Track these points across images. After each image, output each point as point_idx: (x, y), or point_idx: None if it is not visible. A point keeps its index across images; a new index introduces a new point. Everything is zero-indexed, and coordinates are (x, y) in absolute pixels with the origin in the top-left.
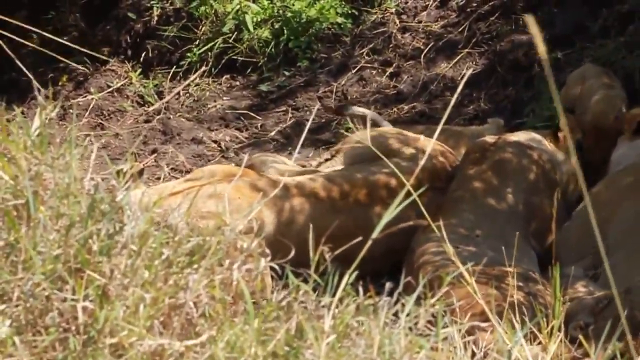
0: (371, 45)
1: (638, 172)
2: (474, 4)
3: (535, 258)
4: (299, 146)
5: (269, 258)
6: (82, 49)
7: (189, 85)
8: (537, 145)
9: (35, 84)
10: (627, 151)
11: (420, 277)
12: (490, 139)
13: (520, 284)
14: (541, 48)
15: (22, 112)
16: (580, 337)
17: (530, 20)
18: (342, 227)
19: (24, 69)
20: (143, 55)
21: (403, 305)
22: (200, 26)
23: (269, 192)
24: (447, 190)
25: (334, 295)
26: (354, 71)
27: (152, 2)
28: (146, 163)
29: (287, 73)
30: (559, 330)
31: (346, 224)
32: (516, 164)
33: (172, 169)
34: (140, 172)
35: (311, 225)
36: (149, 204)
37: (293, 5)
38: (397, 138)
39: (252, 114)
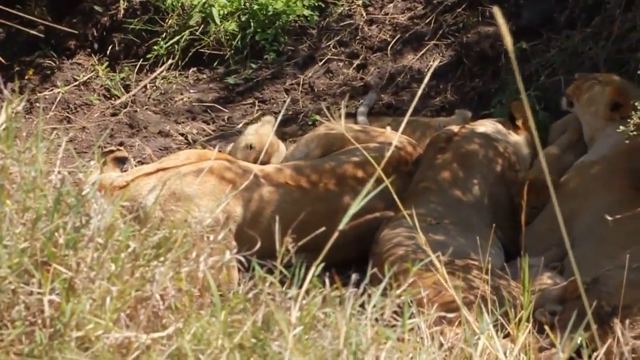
0: (338, 38)
1: (609, 163)
2: None
3: (501, 249)
4: (269, 139)
5: (235, 250)
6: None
7: (155, 78)
8: (502, 137)
9: (0, 77)
10: (599, 143)
11: (386, 266)
12: (454, 128)
13: (486, 276)
14: (507, 39)
15: None
16: (546, 327)
17: (496, 12)
18: (312, 217)
19: None
20: (110, 48)
21: (369, 296)
22: (167, 19)
23: (239, 180)
24: (412, 180)
25: (300, 287)
26: (320, 63)
27: None
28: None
29: (254, 66)
30: (527, 321)
31: (315, 214)
32: (482, 156)
33: (139, 162)
34: (123, 159)
35: (277, 217)
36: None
37: None
38: (363, 131)
39: (219, 106)
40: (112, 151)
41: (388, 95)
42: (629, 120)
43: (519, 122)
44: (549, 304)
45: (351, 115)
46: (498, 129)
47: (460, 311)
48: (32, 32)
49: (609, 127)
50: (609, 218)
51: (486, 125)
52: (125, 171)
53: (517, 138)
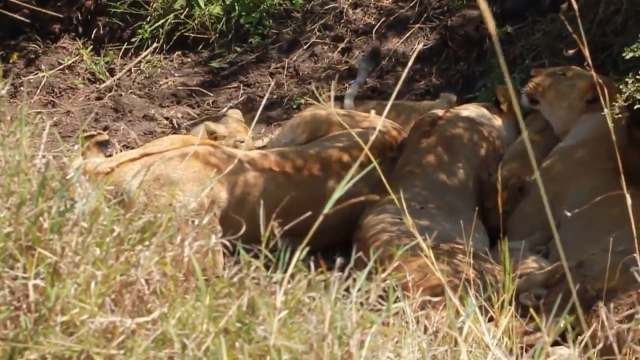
0: (322, 21)
1: (591, 147)
2: None
3: (486, 233)
4: (253, 123)
5: (220, 234)
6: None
7: (140, 62)
8: (487, 121)
9: None
10: (577, 128)
11: (371, 251)
12: (439, 111)
13: (471, 260)
14: (491, 24)
15: None
16: (532, 310)
17: None
18: (296, 202)
19: None
20: (94, 32)
21: (354, 280)
22: (152, 2)
23: (224, 165)
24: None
25: (285, 271)
26: (305, 47)
27: None
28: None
29: (238, 49)
30: (510, 305)
31: (300, 199)
32: (466, 140)
33: (124, 146)
34: (105, 142)
35: (262, 201)
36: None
37: None
38: (347, 116)
39: (203, 90)
40: (93, 135)
41: (372, 79)
42: (613, 103)
43: (504, 107)
44: (534, 287)
45: (337, 99)
46: (483, 113)
47: (445, 295)
48: (16, 16)
49: (584, 115)
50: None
51: (470, 110)
52: (108, 155)
53: (501, 122)
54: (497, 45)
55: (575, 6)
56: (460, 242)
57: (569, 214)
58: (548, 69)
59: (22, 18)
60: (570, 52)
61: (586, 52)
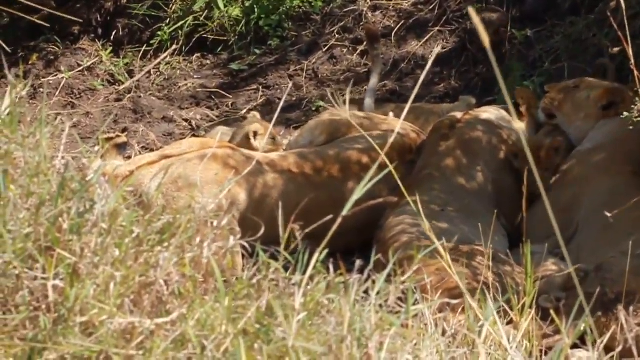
0: (342, 24)
1: (609, 150)
2: None
3: (505, 236)
4: (271, 125)
5: (239, 236)
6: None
7: (159, 63)
8: (507, 124)
9: (5, 62)
10: (594, 132)
11: (390, 253)
12: (458, 114)
13: (490, 263)
14: (484, 38)
15: None
16: (552, 312)
17: (471, 12)
18: (315, 204)
19: None
20: (114, 33)
21: (374, 282)
22: (171, 4)
23: (243, 167)
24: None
25: (304, 272)
26: (324, 50)
27: None
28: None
29: (257, 51)
30: (530, 308)
31: (319, 200)
32: (485, 142)
33: (143, 147)
34: (123, 145)
35: (280, 203)
36: (121, 177)
37: None
38: (367, 118)
39: (223, 92)
40: (111, 138)
41: (392, 82)
42: (632, 106)
43: (523, 109)
44: (553, 290)
45: (355, 102)
46: (502, 115)
47: (464, 297)
48: (34, 19)
49: (601, 121)
50: (608, 215)
51: (490, 112)
52: (127, 157)
53: (521, 124)
54: (491, 55)
55: (622, 4)
56: (479, 245)
57: (609, 214)
58: (561, 84)
59: (41, 22)
60: (615, 49)
61: (630, 52)
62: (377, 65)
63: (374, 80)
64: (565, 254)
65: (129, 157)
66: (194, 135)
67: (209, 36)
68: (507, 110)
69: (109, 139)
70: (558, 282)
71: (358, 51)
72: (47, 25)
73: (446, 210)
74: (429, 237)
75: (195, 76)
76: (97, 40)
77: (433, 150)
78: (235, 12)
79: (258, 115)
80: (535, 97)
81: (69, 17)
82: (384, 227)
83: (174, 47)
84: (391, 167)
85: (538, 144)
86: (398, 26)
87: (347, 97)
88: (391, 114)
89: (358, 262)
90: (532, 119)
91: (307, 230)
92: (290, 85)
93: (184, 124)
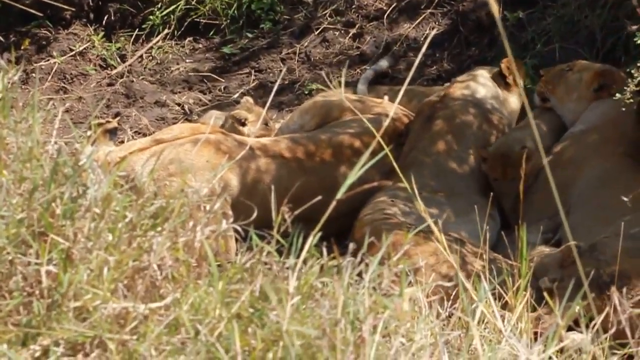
0: (334, 7)
1: (602, 131)
2: None
3: (497, 219)
4: (265, 108)
5: (232, 220)
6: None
7: (151, 48)
8: (498, 106)
9: None
10: (586, 114)
11: (358, 232)
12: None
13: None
14: (494, 8)
15: None
16: (545, 294)
17: None
18: (308, 188)
19: None
20: (105, 18)
21: (367, 265)
22: None
23: (235, 152)
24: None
25: (298, 256)
26: (316, 33)
27: None
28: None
29: (250, 35)
30: (525, 290)
31: (311, 185)
32: (475, 126)
33: (135, 132)
34: (114, 130)
35: (273, 187)
36: (112, 163)
37: None
38: (359, 101)
39: (215, 76)
40: (102, 124)
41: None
42: (624, 88)
43: (510, 80)
44: (550, 271)
45: (348, 84)
46: (492, 93)
47: (457, 280)
48: (25, 8)
49: (594, 102)
50: (625, 199)
51: (479, 81)
52: (120, 142)
53: (507, 95)
54: (500, 26)
55: None
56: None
57: (626, 199)
58: (556, 67)
59: (32, 10)
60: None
61: None
62: (378, 66)
63: (369, 73)
64: (566, 227)
65: (122, 142)
66: (186, 120)
67: (201, 20)
68: (494, 77)
69: (99, 125)
70: (556, 259)
71: (350, 34)
72: (39, 14)
73: (434, 193)
74: (397, 216)
75: (187, 60)
76: (89, 24)
77: (420, 131)
78: None
79: (251, 99)
80: (522, 66)
81: (60, 3)
82: (365, 205)
83: (166, 31)
84: (387, 150)
85: (507, 152)
86: (390, 9)
87: (342, 79)
88: (386, 97)
89: (351, 245)
90: (519, 90)
91: (296, 212)
92: (284, 69)
93: (177, 108)
